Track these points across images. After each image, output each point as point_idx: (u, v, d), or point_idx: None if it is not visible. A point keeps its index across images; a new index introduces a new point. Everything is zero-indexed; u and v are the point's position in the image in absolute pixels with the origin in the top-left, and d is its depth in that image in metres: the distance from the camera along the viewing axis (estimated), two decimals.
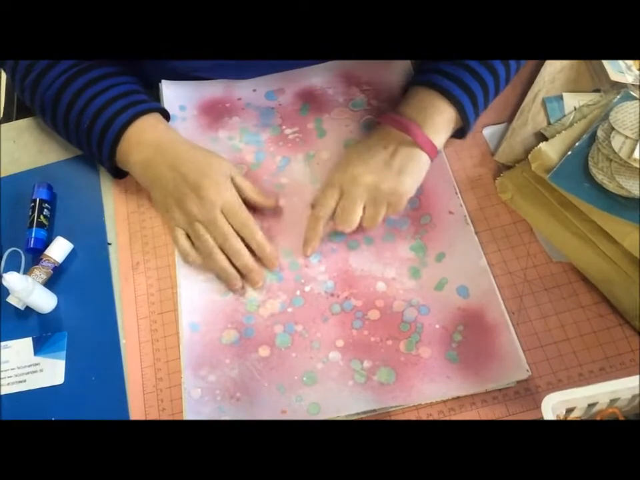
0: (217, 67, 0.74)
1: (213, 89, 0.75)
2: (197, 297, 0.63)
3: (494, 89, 0.68)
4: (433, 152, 0.64)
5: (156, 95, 0.74)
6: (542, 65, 0.75)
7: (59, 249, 0.66)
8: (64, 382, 0.61)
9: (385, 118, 0.67)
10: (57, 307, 0.65)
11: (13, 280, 0.59)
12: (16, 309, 0.64)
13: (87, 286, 0.66)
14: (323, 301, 0.62)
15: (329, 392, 0.58)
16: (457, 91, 0.65)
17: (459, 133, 0.68)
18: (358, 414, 0.57)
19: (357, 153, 0.66)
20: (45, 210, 0.69)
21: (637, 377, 0.47)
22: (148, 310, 0.64)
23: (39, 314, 0.64)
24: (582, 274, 0.62)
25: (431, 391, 0.57)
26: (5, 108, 0.94)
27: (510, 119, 0.72)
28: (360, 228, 0.63)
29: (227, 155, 0.69)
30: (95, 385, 0.61)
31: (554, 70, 0.74)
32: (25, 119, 0.78)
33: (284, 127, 0.73)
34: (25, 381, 0.61)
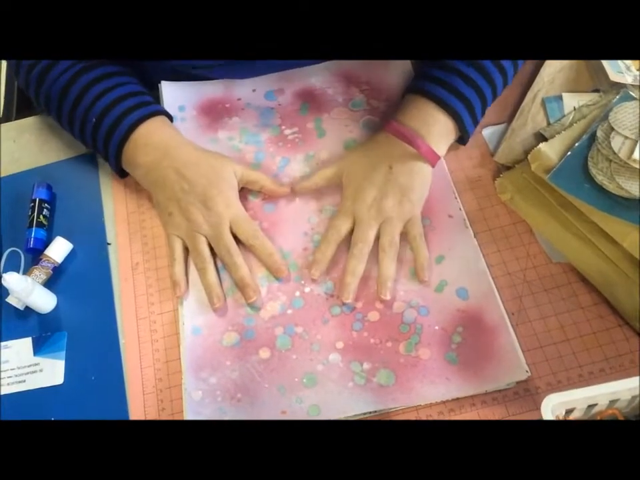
0: (217, 65, 0.74)
1: (212, 90, 0.75)
2: (198, 300, 0.63)
3: (491, 98, 0.68)
4: (435, 161, 0.65)
5: (155, 96, 0.74)
6: (541, 65, 0.75)
7: (59, 249, 0.66)
8: (63, 382, 0.61)
9: (389, 127, 0.66)
10: (57, 307, 0.65)
11: (12, 280, 0.59)
12: (16, 309, 0.64)
13: (86, 286, 0.66)
14: (322, 302, 0.62)
15: (328, 394, 0.58)
16: (456, 103, 0.65)
17: (459, 139, 0.69)
18: (358, 415, 0.57)
19: (363, 173, 0.65)
20: (45, 210, 0.69)
21: (637, 378, 0.47)
22: (147, 310, 0.64)
23: (38, 314, 0.64)
24: (582, 275, 0.62)
25: (430, 392, 0.57)
26: (4, 108, 0.94)
27: (509, 120, 0.72)
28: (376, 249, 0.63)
29: (227, 155, 0.69)
30: (95, 385, 0.61)
31: (553, 70, 0.74)
32: (25, 119, 0.78)
33: (283, 127, 0.73)
34: (24, 381, 0.61)
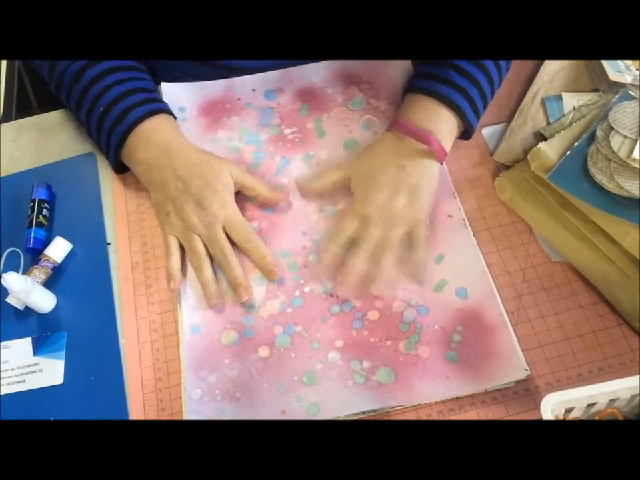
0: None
1: (212, 90, 0.75)
2: (197, 299, 0.63)
3: (490, 93, 0.69)
4: (444, 158, 0.65)
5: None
6: (541, 64, 0.75)
7: (58, 249, 0.66)
8: (63, 382, 0.61)
9: (398, 126, 0.66)
10: (56, 307, 0.65)
11: (12, 280, 0.59)
12: (15, 309, 0.64)
13: (86, 286, 0.66)
14: (322, 301, 0.62)
15: (328, 392, 0.58)
16: (457, 97, 0.65)
17: (463, 135, 0.69)
18: (357, 414, 0.57)
19: (373, 174, 0.65)
20: (44, 210, 0.69)
21: (636, 377, 0.47)
22: (147, 310, 0.64)
23: (38, 314, 0.64)
24: (581, 274, 0.62)
25: (430, 390, 0.57)
26: (4, 108, 0.94)
27: (509, 119, 0.72)
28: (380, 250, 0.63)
29: (226, 155, 0.69)
30: (94, 385, 0.61)
31: (553, 70, 0.74)
32: (25, 119, 0.78)
33: (283, 127, 0.73)
34: (24, 381, 0.61)
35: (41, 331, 0.64)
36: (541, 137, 0.69)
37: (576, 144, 0.64)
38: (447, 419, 0.57)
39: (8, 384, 0.61)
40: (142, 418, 0.59)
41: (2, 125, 0.78)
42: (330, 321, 0.61)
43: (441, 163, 0.65)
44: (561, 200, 0.62)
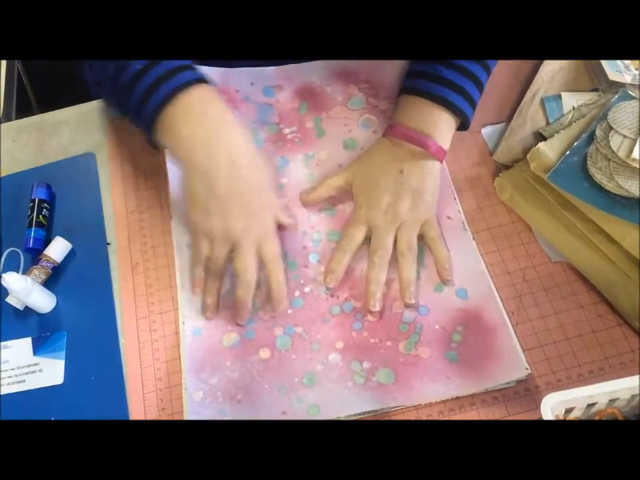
0: None
1: (210, 77, 0.74)
2: (198, 301, 0.63)
3: (485, 79, 0.68)
4: (443, 157, 0.65)
5: None
6: (541, 64, 0.75)
7: (58, 249, 0.66)
8: (63, 382, 0.61)
9: (395, 132, 0.65)
10: (56, 307, 0.65)
11: (12, 280, 0.59)
12: (15, 309, 0.64)
13: (86, 286, 0.66)
14: (322, 302, 0.62)
15: (328, 393, 0.58)
16: (452, 95, 0.64)
17: (460, 126, 0.68)
18: (357, 415, 0.57)
19: (374, 179, 0.65)
20: (44, 210, 0.69)
21: (637, 377, 0.47)
22: (147, 310, 0.64)
23: (38, 314, 0.64)
24: (581, 274, 0.62)
25: (430, 391, 0.57)
26: (4, 108, 0.94)
27: (509, 119, 0.72)
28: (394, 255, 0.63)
29: None
30: (95, 385, 0.61)
31: (552, 69, 0.74)
32: (25, 119, 0.78)
33: (282, 126, 0.73)
34: (24, 381, 0.61)
35: (41, 330, 0.64)
36: (540, 136, 0.69)
37: (575, 144, 0.64)
38: (447, 418, 0.57)
39: (8, 384, 0.61)
40: (142, 418, 0.59)
41: (2, 124, 0.78)
42: (330, 322, 0.61)
43: (441, 162, 0.65)
44: (560, 200, 0.62)
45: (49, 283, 0.65)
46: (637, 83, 0.70)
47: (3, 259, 0.66)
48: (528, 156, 0.64)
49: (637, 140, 0.61)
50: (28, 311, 0.64)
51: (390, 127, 0.66)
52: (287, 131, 0.73)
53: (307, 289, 0.63)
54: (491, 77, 0.69)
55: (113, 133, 0.73)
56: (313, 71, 0.76)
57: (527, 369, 0.57)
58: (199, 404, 0.58)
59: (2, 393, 0.61)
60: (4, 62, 0.98)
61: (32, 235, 0.67)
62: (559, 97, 0.72)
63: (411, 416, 0.58)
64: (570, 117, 0.69)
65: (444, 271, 0.62)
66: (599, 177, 0.61)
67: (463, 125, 0.68)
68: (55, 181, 0.72)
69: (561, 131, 0.66)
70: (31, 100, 1.02)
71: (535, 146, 0.64)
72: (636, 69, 0.71)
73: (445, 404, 0.58)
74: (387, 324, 0.61)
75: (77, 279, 0.66)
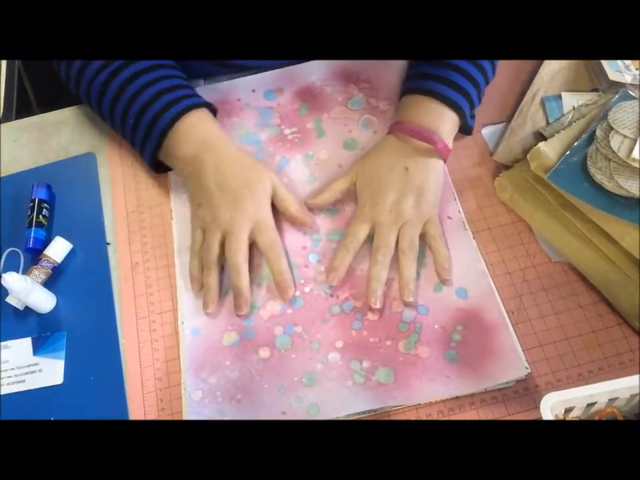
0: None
1: (212, 92, 0.75)
2: (197, 300, 0.63)
3: (484, 90, 0.69)
4: (448, 156, 0.66)
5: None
6: (541, 64, 0.75)
7: (58, 249, 0.66)
8: (63, 382, 0.61)
9: (401, 127, 0.66)
10: (56, 307, 0.65)
11: (12, 280, 0.59)
12: (15, 309, 0.64)
13: (86, 286, 0.66)
14: (322, 302, 0.62)
15: (328, 392, 0.58)
16: (459, 98, 0.65)
17: (462, 130, 0.70)
18: (357, 414, 0.57)
19: (378, 177, 0.65)
20: (44, 210, 0.69)
21: (636, 376, 0.47)
22: (147, 310, 0.64)
23: (38, 314, 0.64)
24: (581, 274, 0.62)
25: (430, 390, 0.57)
26: (4, 108, 0.94)
27: (509, 119, 0.72)
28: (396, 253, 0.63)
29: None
30: (94, 385, 0.61)
31: (553, 69, 0.74)
32: (25, 119, 0.78)
33: (283, 127, 0.73)
34: (24, 381, 0.61)
35: (41, 331, 0.64)
36: (540, 136, 0.69)
37: (575, 144, 0.64)
38: (446, 418, 0.57)
39: (8, 384, 0.61)
40: (142, 418, 0.59)
41: (2, 125, 0.78)
42: (330, 322, 0.61)
43: (445, 161, 0.66)
44: (560, 200, 0.62)
45: (49, 283, 0.65)
46: (637, 83, 0.70)
47: (3, 259, 0.66)
48: (528, 156, 0.64)
49: (637, 140, 0.61)
50: (28, 310, 0.64)
51: (396, 123, 0.67)
52: (287, 131, 0.73)
53: (307, 289, 0.63)
54: None
55: (113, 133, 0.73)
56: (313, 72, 0.76)
57: (526, 368, 0.57)
58: (198, 403, 0.58)
59: (2, 393, 0.61)
60: (4, 62, 0.98)
61: (32, 235, 0.67)
62: (559, 96, 0.72)
63: (411, 416, 0.58)
64: (570, 116, 0.69)
65: (443, 270, 0.62)
66: (599, 177, 0.61)
67: (465, 130, 0.69)
68: (54, 181, 0.72)
69: (561, 131, 0.66)
70: (31, 100, 1.02)
71: (535, 146, 0.64)
72: (636, 69, 0.71)
73: (445, 403, 0.58)
74: (387, 323, 0.61)
75: (77, 279, 0.66)
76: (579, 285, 0.62)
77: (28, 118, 0.78)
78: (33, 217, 0.68)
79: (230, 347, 0.61)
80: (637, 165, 0.60)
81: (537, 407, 0.48)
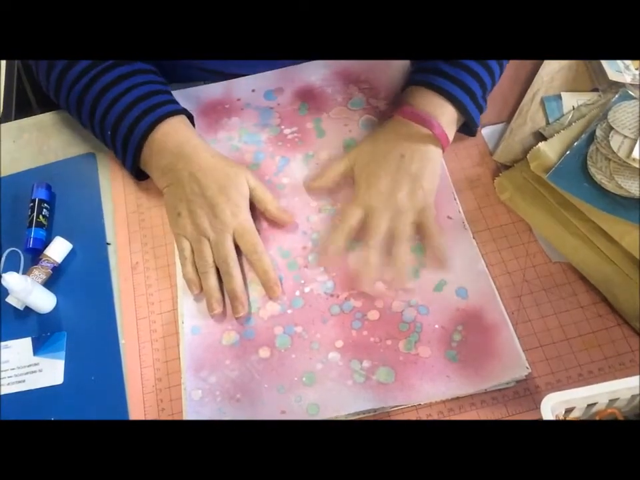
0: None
1: (212, 92, 0.75)
2: (198, 300, 0.63)
3: (490, 86, 0.69)
4: (446, 145, 0.66)
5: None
6: (541, 64, 0.75)
7: (58, 249, 0.66)
8: (63, 382, 0.61)
9: (401, 111, 0.66)
10: (56, 307, 0.65)
11: (12, 280, 0.59)
12: (15, 309, 0.64)
13: (86, 286, 0.66)
14: (322, 302, 0.62)
15: (328, 392, 0.58)
16: (460, 94, 0.65)
17: (466, 130, 0.70)
18: (357, 413, 0.57)
19: (375, 162, 0.65)
20: (44, 210, 0.69)
21: (637, 377, 0.47)
22: (147, 310, 0.64)
23: (38, 314, 0.64)
24: (581, 274, 0.62)
25: (430, 389, 0.57)
26: (4, 108, 0.94)
27: (509, 119, 0.72)
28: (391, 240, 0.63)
29: (226, 155, 0.69)
30: (94, 385, 0.61)
31: (553, 69, 0.74)
32: (25, 119, 0.78)
33: (283, 127, 0.73)
34: (24, 381, 0.61)
35: (41, 331, 0.64)
36: (540, 136, 0.69)
37: (575, 144, 0.64)
38: (447, 418, 0.57)
39: (8, 384, 0.61)
40: (142, 418, 0.59)
41: (2, 125, 0.78)
42: (330, 322, 0.61)
43: (444, 150, 0.66)
44: (560, 200, 0.62)
45: (49, 283, 0.65)
46: (637, 83, 0.70)
47: (3, 259, 0.66)
48: (528, 156, 0.64)
49: (637, 140, 0.61)
50: (28, 310, 0.64)
51: (396, 109, 0.67)
52: (287, 131, 0.73)
53: (306, 289, 0.63)
54: None
55: None
56: (313, 72, 0.76)
57: (527, 367, 0.57)
58: (197, 403, 0.58)
59: (2, 393, 0.61)
60: (4, 62, 0.98)
61: (32, 235, 0.67)
62: (559, 96, 0.72)
63: (411, 416, 0.58)
64: (570, 116, 0.69)
65: (442, 255, 0.62)
66: (599, 177, 0.61)
67: (469, 129, 0.69)
68: (55, 181, 0.72)
69: (561, 131, 0.66)
70: (31, 100, 1.02)
71: (535, 146, 0.64)
72: (636, 69, 0.71)
73: (445, 404, 0.58)
74: (387, 323, 0.61)
75: (77, 278, 0.66)
76: (578, 285, 0.62)
77: (28, 118, 0.78)
78: (33, 217, 0.68)
79: (230, 346, 0.61)
80: (637, 165, 0.60)
81: (538, 408, 0.48)
